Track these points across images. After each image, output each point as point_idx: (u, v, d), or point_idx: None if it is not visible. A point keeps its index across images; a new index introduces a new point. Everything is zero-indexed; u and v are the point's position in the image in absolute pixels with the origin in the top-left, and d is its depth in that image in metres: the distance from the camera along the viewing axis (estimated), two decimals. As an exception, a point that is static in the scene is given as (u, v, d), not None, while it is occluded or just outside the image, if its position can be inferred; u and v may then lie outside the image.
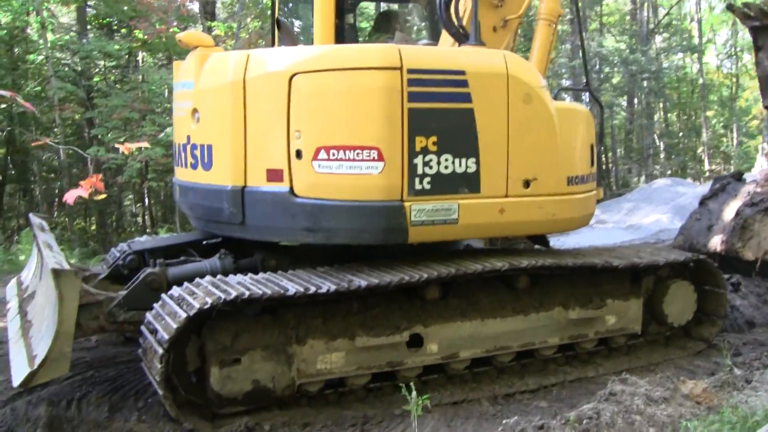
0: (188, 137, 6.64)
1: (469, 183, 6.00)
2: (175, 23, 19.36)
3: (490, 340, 6.34)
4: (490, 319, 6.32)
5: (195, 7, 22.88)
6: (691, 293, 7.32)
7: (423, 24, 9.80)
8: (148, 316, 5.47)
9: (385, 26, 7.80)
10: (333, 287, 5.34)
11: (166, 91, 18.89)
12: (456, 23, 6.80)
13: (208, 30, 20.25)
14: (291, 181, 5.82)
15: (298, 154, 5.76)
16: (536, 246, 8.22)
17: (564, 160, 6.59)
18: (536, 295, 6.57)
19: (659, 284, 7.28)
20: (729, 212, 9.58)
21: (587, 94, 9.74)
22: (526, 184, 6.30)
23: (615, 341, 7.14)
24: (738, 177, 10.44)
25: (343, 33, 7.57)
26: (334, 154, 5.69)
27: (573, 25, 27.67)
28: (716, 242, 9.46)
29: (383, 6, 9.62)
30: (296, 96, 5.78)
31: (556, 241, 12.27)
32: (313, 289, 5.28)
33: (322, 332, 5.63)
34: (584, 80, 8.42)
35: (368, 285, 5.43)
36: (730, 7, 10.29)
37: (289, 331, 5.53)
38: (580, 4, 9.34)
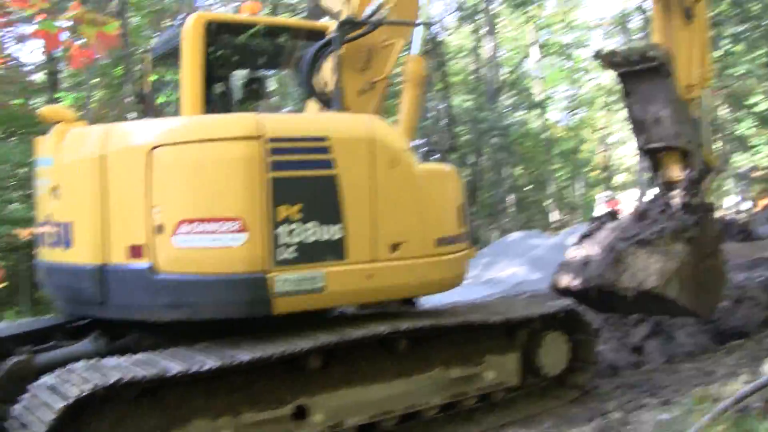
0: (49, 215, 6.36)
1: (336, 250, 5.96)
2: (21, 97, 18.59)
3: (374, 405, 6.27)
4: (372, 385, 6.26)
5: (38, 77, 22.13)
6: (563, 343, 7.49)
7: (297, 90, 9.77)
8: (17, 409, 5.07)
9: (254, 94, 7.73)
10: (216, 364, 5.14)
11: (10, 166, 17.99)
12: (319, 89, 6.83)
13: (56, 101, 19.56)
14: (153, 256, 5.64)
15: (160, 228, 5.61)
16: (403, 307, 8.20)
17: (432, 221, 6.64)
18: (416, 357, 6.57)
19: (533, 336, 7.41)
20: (604, 248, 9.59)
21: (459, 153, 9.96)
22: (394, 247, 6.29)
23: (495, 396, 7.19)
24: (614, 216, 10.42)
25: (215, 102, 7.42)
26: (196, 227, 5.57)
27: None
28: (592, 277, 9.38)
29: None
30: (157, 169, 5.65)
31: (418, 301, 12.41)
32: (195, 368, 5.06)
33: (205, 411, 5.40)
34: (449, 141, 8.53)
35: (251, 359, 5.27)
36: (597, 55, 10.39)
37: (172, 412, 5.26)
38: (443, 69, 9.44)
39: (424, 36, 7.62)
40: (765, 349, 10.96)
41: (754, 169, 40.32)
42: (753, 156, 40.54)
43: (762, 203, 35.63)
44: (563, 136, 43.08)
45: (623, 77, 9.90)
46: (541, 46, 39.12)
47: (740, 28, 35.44)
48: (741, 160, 41.14)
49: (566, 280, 9.68)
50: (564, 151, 41.87)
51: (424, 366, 6.59)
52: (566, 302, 8.48)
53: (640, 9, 35.20)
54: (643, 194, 35.52)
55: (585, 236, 10.25)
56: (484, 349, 6.98)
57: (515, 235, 24.17)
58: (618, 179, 49.02)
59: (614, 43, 40.04)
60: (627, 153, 50.53)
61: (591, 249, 9.70)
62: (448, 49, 37.36)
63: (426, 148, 7.66)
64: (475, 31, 37.05)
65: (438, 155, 7.64)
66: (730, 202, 39.88)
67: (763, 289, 13.67)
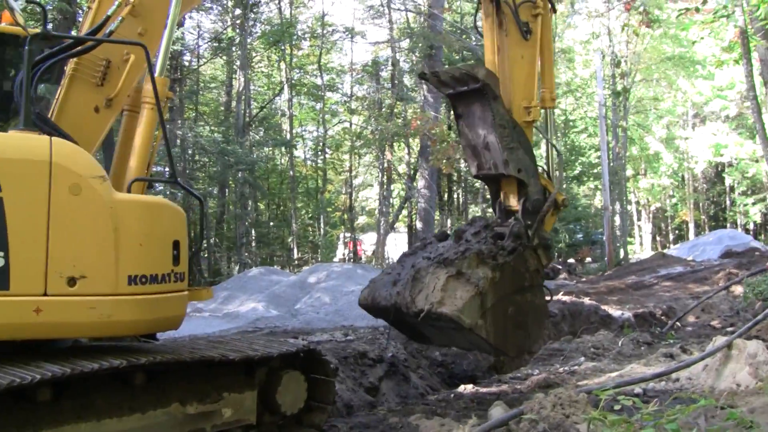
0: None
1: (-4, 279, 5.52)
2: None
3: (107, 440, 5.94)
4: (106, 419, 5.91)
5: None
6: (302, 382, 7.51)
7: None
8: None
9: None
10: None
11: None
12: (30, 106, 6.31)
13: None
14: None
15: None
16: (143, 340, 7.88)
17: (125, 257, 6.08)
18: (153, 392, 6.30)
19: (272, 374, 7.38)
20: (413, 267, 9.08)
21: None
22: (72, 281, 5.80)
23: (230, 434, 7.06)
24: (443, 237, 9.81)
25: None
26: None
27: (173, 113, 27.95)
28: (392, 296, 8.94)
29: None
30: None
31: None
32: None
33: None
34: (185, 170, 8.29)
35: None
36: (422, 76, 10.00)
37: None
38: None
39: (163, 56, 7.10)
40: (493, 393, 11.65)
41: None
42: (488, 208, 43.23)
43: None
44: (309, 174, 43.83)
45: (453, 99, 9.46)
46: (294, 85, 39.71)
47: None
48: (477, 211, 43.76)
49: (369, 298, 9.39)
50: (309, 189, 42.61)
51: (161, 401, 6.34)
52: (306, 341, 8.52)
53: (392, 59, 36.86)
54: (381, 238, 36.94)
55: (407, 254, 9.77)
56: (222, 386, 6.83)
57: (256, 271, 24.20)
58: (360, 221, 50.59)
59: (364, 90, 41.61)
60: (370, 196, 52.45)
61: (405, 268, 9.24)
62: (202, 79, 37.08)
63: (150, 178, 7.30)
64: (229, 63, 36.98)
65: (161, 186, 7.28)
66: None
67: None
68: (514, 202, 9.28)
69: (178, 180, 7.39)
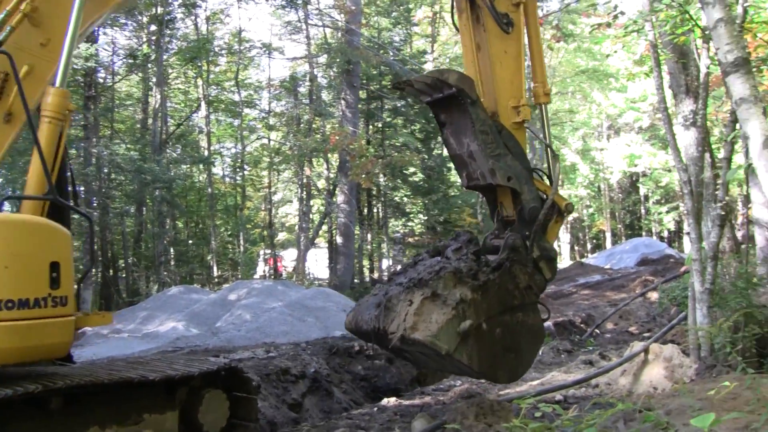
0: None
1: None
2: None
3: (23, 469, 5.80)
4: (22, 448, 5.79)
5: None
6: (224, 401, 7.46)
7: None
8: None
9: None
10: None
11: None
12: None
13: None
14: None
15: None
16: (58, 362, 7.69)
17: None
18: (71, 416, 6.19)
19: (193, 394, 7.31)
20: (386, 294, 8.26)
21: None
22: None
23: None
24: (435, 253, 8.78)
25: None
26: None
27: (87, 131, 27.38)
28: (372, 319, 8.21)
29: None
30: None
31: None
32: None
33: None
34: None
35: None
36: (396, 86, 8.89)
37: None
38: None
39: (64, 67, 6.78)
40: (416, 405, 11.73)
41: (409, 234, 43.43)
42: (408, 222, 43.61)
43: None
44: (228, 191, 43.47)
45: (433, 106, 8.61)
46: (211, 102, 39.38)
47: (400, 103, 38.34)
48: (397, 225, 44.07)
49: (353, 322, 8.65)
50: (228, 206, 42.23)
51: (79, 425, 6.23)
52: (227, 359, 8.44)
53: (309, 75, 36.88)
54: (301, 254, 36.81)
55: (397, 273, 8.91)
56: (142, 407, 6.74)
57: (175, 290, 23.86)
58: (280, 237, 50.34)
59: (282, 105, 41.53)
60: (289, 212, 52.28)
61: (391, 287, 8.36)
62: (117, 96, 36.47)
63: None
64: (145, 80, 36.50)
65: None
66: (385, 265, 42.50)
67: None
68: (511, 212, 8.53)
69: (57, 197, 6.72)
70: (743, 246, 16.51)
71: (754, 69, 13.57)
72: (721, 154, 11.27)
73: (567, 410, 6.60)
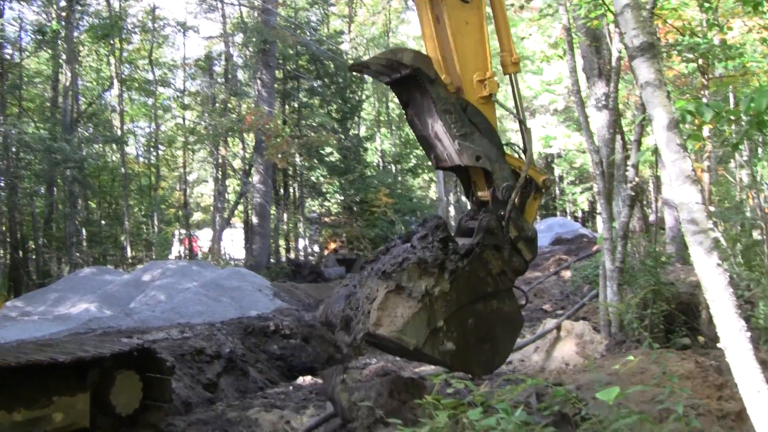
0: None
1: None
2: None
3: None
4: (-75, 432, 5.74)
5: None
6: (136, 382, 7.47)
7: None
8: None
9: None
10: None
11: None
12: None
13: None
14: None
15: None
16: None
17: None
18: (-23, 400, 6.15)
19: (105, 375, 7.31)
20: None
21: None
22: None
23: (66, 437, 6.94)
24: (407, 239, 8.08)
25: None
26: None
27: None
28: (338, 312, 7.74)
29: None
30: None
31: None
32: None
33: None
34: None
35: None
36: (354, 68, 8.46)
37: None
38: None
39: None
40: (330, 384, 11.88)
41: (325, 214, 43.52)
42: (324, 202, 43.66)
43: (331, 247, 38.54)
44: (142, 171, 42.77)
45: (394, 86, 8.04)
46: (124, 80, 38.61)
47: (316, 83, 38.27)
48: (313, 205, 44.07)
49: (324, 315, 8.16)
50: (142, 186, 41.56)
51: (-15, 410, 6.19)
52: (140, 341, 8.43)
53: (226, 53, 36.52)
54: (216, 234, 36.57)
55: (369, 261, 8.21)
56: (52, 390, 6.72)
57: (87, 271, 23.49)
58: (195, 218, 49.77)
59: (197, 85, 41.03)
60: (205, 192, 51.77)
61: (361, 276, 7.87)
62: (25, 73, 35.44)
63: None
64: (55, 57, 35.54)
65: None
66: (301, 245, 42.52)
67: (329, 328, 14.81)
68: (485, 192, 7.94)
69: None
70: (653, 226, 17.08)
71: (665, 54, 14.07)
72: (632, 137, 11.67)
73: (479, 386, 6.79)
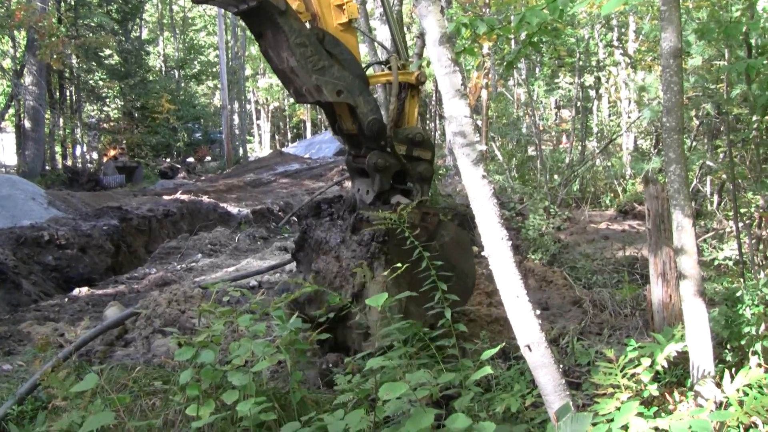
0: None
1: None
2: None
3: None
4: None
5: None
6: None
7: None
8: None
9: None
10: None
11: None
12: None
13: None
14: None
15: None
16: None
17: None
18: None
19: None
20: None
21: None
22: None
23: None
24: (317, 212, 7.97)
25: None
26: None
27: None
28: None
29: None
30: None
31: None
32: None
33: None
34: None
35: None
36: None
37: None
38: None
39: None
40: (110, 294, 11.64)
41: (105, 120, 41.73)
42: (103, 107, 41.79)
43: (110, 154, 37.21)
44: None
45: (245, 17, 7.31)
46: None
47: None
48: (92, 111, 42.12)
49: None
50: None
51: None
52: None
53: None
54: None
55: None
56: None
57: None
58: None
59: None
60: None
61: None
62: None
63: None
64: None
65: None
66: (78, 152, 40.67)
67: (107, 237, 14.44)
68: (350, 126, 7.58)
69: None
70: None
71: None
72: (415, 50, 11.99)
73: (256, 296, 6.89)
